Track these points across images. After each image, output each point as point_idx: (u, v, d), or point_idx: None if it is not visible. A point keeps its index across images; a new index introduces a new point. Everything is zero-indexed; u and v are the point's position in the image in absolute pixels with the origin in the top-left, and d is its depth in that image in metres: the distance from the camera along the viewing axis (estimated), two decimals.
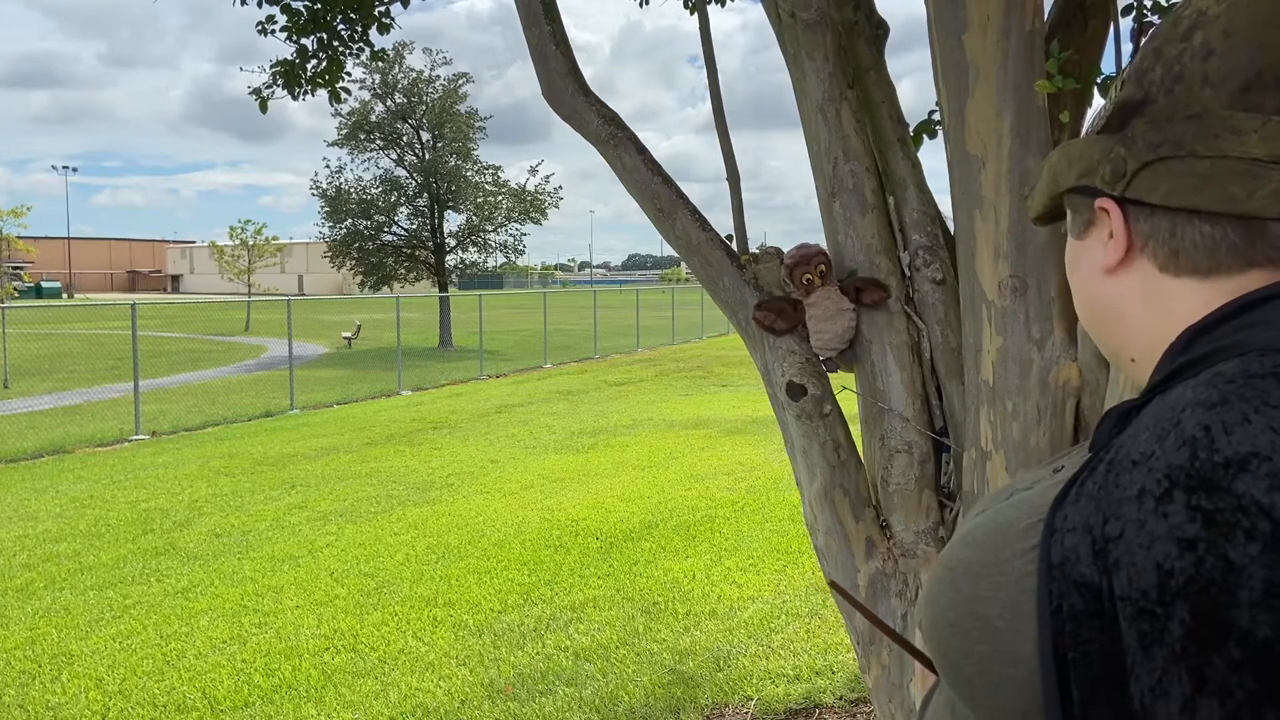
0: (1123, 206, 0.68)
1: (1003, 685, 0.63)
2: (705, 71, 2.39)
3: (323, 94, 4.84)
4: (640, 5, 4.76)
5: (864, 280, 1.97)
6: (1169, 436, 0.53)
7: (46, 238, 73.21)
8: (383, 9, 4.59)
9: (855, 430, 2.05)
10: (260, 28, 4.57)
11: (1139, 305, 0.68)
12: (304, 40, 4.58)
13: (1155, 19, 2.30)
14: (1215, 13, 0.64)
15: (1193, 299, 0.65)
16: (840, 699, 3.78)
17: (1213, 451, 0.50)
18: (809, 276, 1.97)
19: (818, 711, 3.71)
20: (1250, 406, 0.52)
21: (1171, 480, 0.51)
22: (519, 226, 26.55)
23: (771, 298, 2.02)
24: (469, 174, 25.80)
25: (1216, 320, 0.62)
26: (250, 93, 4.83)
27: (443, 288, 26.08)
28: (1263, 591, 0.47)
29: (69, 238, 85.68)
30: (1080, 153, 0.71)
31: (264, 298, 31.36)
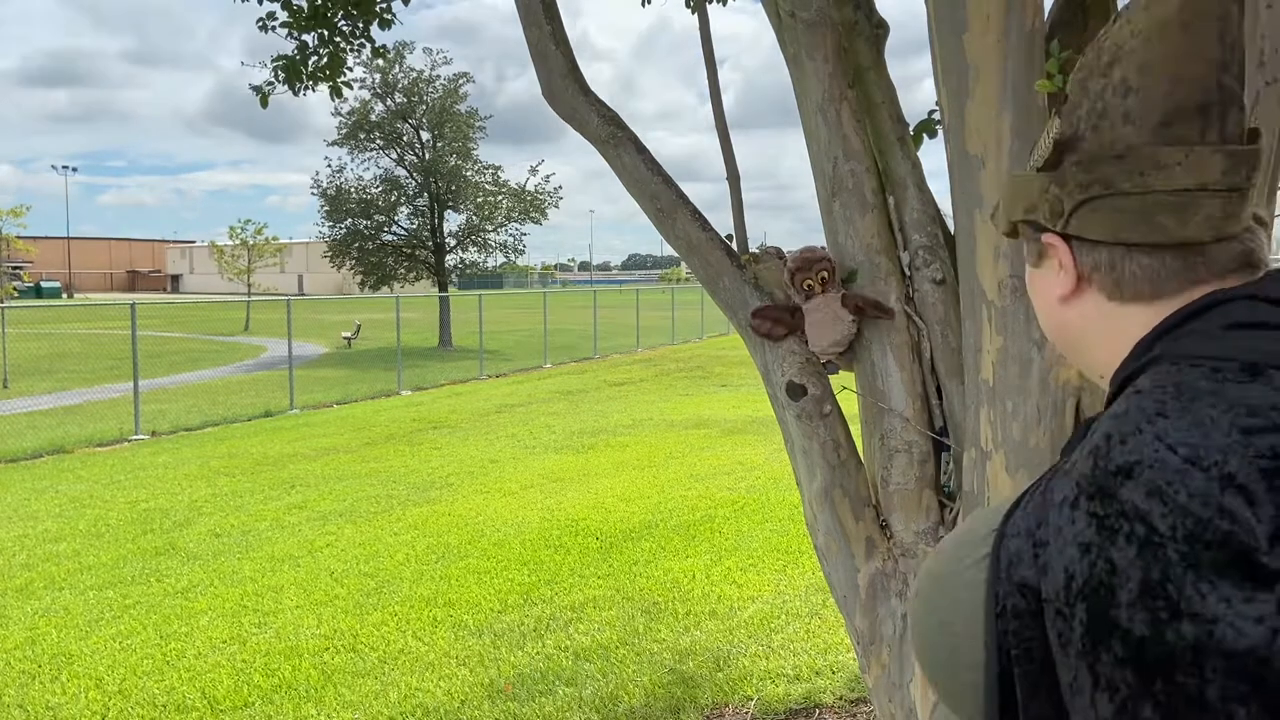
0: (1067, 240, 0.70)
1: (967, 689, 0.64)
2: (706, 72, 2.39)
3: (330, 93, 4.84)
4: (642, 5, 4.76)
5: (866, 300, 1.96)
6: (1086, 447, 0.56)
7: (46, 237, 73.16)
8: (384, 5, 4.59)
9: (855, 430, 2.05)
10: (261, 24, 4.57)
11: (1096, 330, 0.71)
12: (305, 36, 4.58)
13: None
14: (1131, 46, 0.65)
15: (1144, 320, 0.67)
16: (840, 699, 3.78)
17: (1108, 461, 0.54)
18: (810, 283, 1.96)
19: (818, 711, 3.71)
20: (1144, 417, 0.54)
21: (1079, 488, 0.55)
22: (519, 226, 26.57)
23: (768, 305, 2.01)
24: (469, 174, 25.81)
25: (1156, 335, 0.65)
26: (252, 89, 4.83)
27: (443, 288, 26.08)
28: (1139, 591, 0.50)
29: (68, 237, 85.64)
30: (1023, 189, 0.73)
31: (264, 298, 31.34)
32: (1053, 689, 0.56)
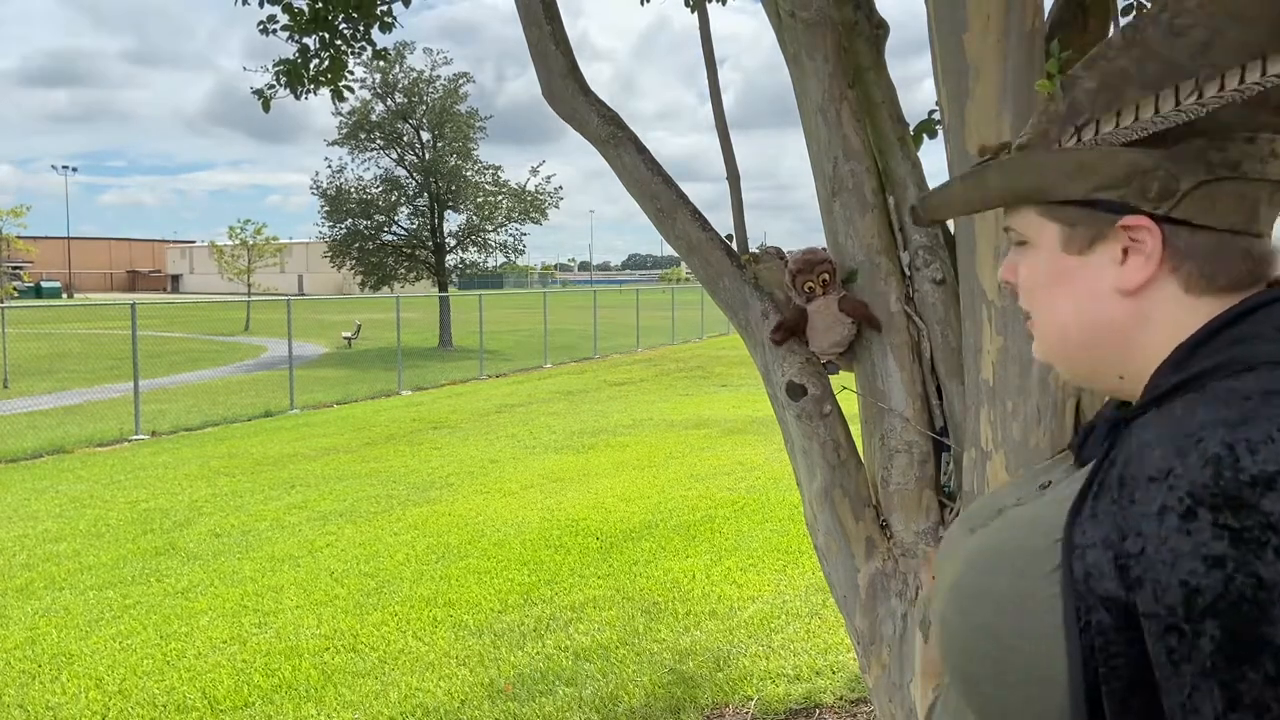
0: (1159, 224, 0.66)
1: (1033, 703, 0.62)
2: (706, 72, 2.39)
3: (332, 97, 4.84)
4: (641, 4, 4.76)
5: (859, 309, 1.96)
6: (1190, 454, 0.53)
7: (46, 237, 73.09)
8: (384, 8, 4.59)
9: (855, 430, 2.05)
10: (262, 27, 4.57)
11: (1155, 324, 0.66)
12: (306, 40, 4.58)
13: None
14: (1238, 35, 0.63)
15: (1210, 314, 0.64)
16: (840, 699, 3.78)
17: (1238, 470, 0.51)
18: (811, 284, 1.97)
19: (818, 711, 3.71)
20: (1274, 425, 0.52)
21: (1195, 498, 0.52)
22: (519, 226, 26.58)
23: (781, 320, 2.01)
24: (469, 174, 25.82)
25: (1209, 334, 0.63)
26: (253, 92, 4.83)
27: (443, 288, 26.09)
28: None
29: (68, 237, 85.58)
30: (1098, 164, 0.67)
31: (264, 298, 31.34)
32: (1145, 708, 0.54)
